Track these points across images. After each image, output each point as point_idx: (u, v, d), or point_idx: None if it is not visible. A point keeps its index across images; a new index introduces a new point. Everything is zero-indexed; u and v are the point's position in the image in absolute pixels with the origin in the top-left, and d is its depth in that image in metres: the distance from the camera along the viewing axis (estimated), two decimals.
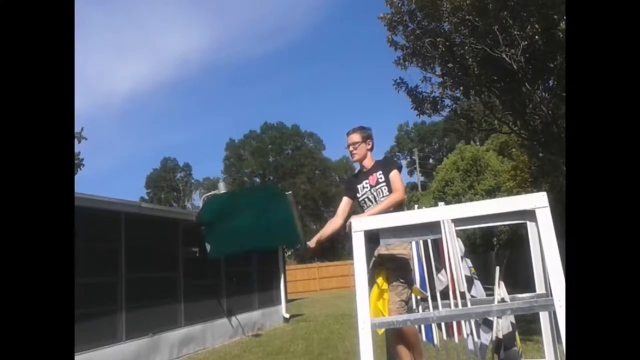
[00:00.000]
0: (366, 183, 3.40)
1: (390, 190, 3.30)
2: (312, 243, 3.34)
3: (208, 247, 3.22)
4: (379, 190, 3.33)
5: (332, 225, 3.45)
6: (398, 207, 3.27)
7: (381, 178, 3.34)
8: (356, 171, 3.65)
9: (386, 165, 3.41)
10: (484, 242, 20.93)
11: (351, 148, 3.48)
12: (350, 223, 2.68)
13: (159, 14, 69.67)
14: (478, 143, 27.78)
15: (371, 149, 3.51)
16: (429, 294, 3.40)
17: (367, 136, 3.48)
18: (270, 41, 77.18)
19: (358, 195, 3.44)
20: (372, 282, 3.08)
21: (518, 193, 14.13)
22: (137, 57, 74.36)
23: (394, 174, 3.31)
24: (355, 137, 3.47)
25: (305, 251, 3.45)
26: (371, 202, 3.37)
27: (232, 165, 46.84)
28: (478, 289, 3.50)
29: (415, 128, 49.32)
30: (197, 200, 44.53)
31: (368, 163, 3.48)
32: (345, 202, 3.52)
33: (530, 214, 2.52)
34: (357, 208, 3.55)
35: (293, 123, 47.27)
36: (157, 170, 51.44)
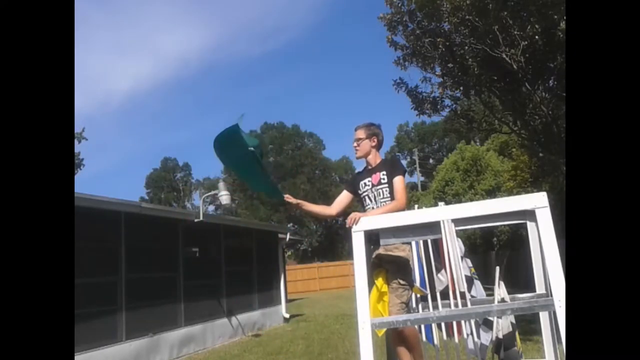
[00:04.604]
0: (368, 181, 3.37)
1: (391, 193, 3.27)
2: (289, 197, 3.31)
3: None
4: (380, 190, 3.30)
5: (325, 209, 3.52)
6: None
7: (384, 179, 3.30)
8: (362, 168, 3.62)
9: (392, 167, 3.36)
10: (484, 242, 20.93)
11: (355, 144, 3.45)
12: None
13: (159, 14, 69.63)
14: (478, 143, 27.77)
15: (377, 147, 3.46)
16: (429, 294, 3.40)
17: (372, 133, 3.42)
18: (270, 41, 77.10)
19: (359, 191, 3.42)
20: (371, 283, 3.08)
21: (518, 193, 14.13)
22: (137, 57, 74.26)
23: (397, 180, 3.25)
24: (360, 133, 3.44)
25: (287, 205, 3.39)
26: (371, 200, 3.34)
27: None
28: (478, 289, 3.50)
29: (415, 128, 49.27)
30: (197, 200, 44.51)
31: (373, 160, 3.43)
32: (343, 195, 3.51)
33: (530, 214, 2.52)
34: (357, 205, 3.54)
35: (293, 123, 47.23)
36: (157, 170, 51.38)
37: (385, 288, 3.15)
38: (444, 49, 8.49)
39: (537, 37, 7.57)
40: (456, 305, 3.14)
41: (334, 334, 9.34)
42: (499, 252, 19.41)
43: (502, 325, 3.15)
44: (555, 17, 7.03)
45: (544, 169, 13.80)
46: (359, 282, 2.56)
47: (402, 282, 3.14)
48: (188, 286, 8.69)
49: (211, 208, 38.51)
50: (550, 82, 8.70)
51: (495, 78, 8.69)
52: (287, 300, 13.29)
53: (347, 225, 2.77)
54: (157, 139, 74.95)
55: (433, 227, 2.70)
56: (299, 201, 3.36)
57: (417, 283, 3.40)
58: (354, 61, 74.68)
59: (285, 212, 38.16)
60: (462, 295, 3.17)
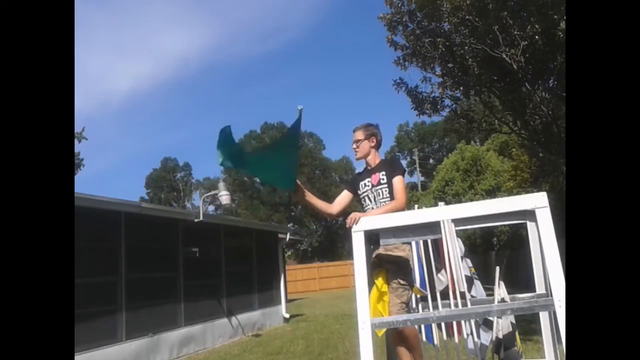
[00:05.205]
0: (368, 181, 3.36)
1: (390, 193, 3.26)
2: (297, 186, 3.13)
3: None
4: (380, 191, 3.30)
5: (326, 206, 3.40)
6: None
7: (383, 179, 3.30)
8: (362, 168, 3.61)
9: (391, 167, 3.35)
10: (484, 242, 20.93)
11: (354, 145, 3.44)
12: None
13: (159, 14, 69.65)
14: (478, 143, 27.77)
15: (377, 147, 3.45)
16: (429, 293, 3.40)
17: (371, 134, 3.42)
18: (270, 41, 77.10)
19: (359, 192, 3.41)
20: (371, 283, 3.08)
21: (518, 193, 14.13)
22: (137, 57, 74.30)
23: (397, 180, 3.25)
24: (359, 134, 3.43)
25: (292, 193, 3.23)
26: (370, 201, 3.34)
27: None
28: (478, 289, 3.50)
29: (415, 128, 49.28)
30: (197, 200, 44.50)
31: (372, 161, 3.42)
32: (344, 194, 3.49)
33: (530, 214, 2.52)
34: (357, 205, 3.54)
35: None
36: (157, 170, 51.37)
37: (385, 288, 3.15)
38: (444, 49, 8.50)
39: (537, 37, 7.57)
40: (456, 305, 3.14)
41: (334, 334, 9.34)
42: (499, 252, 19.41)
43: (502, 325, 3.15)
44: (555, 17, 7.03)
45: (544, 169, 13.81)
46: (359, 282, 2.56)
47: (402, 282, 3.14)
48: (188, 286, 8.69)
49: (211, 208, 38.56)
50: (550, 82, 8.70)
51: (495, 78, 8.69)
52: (287, 300, 13.29)
53: (347, 225, 2.77)
54: (157, 139, 74.95)
55: (433, 227, 2.69)
56: (304, 189, 3.22)
57: (417, 283, 3.40)
58: (354, 61, 74.73)
59: (286, 212, 38.19)
60: (462, 295, 3.17)
